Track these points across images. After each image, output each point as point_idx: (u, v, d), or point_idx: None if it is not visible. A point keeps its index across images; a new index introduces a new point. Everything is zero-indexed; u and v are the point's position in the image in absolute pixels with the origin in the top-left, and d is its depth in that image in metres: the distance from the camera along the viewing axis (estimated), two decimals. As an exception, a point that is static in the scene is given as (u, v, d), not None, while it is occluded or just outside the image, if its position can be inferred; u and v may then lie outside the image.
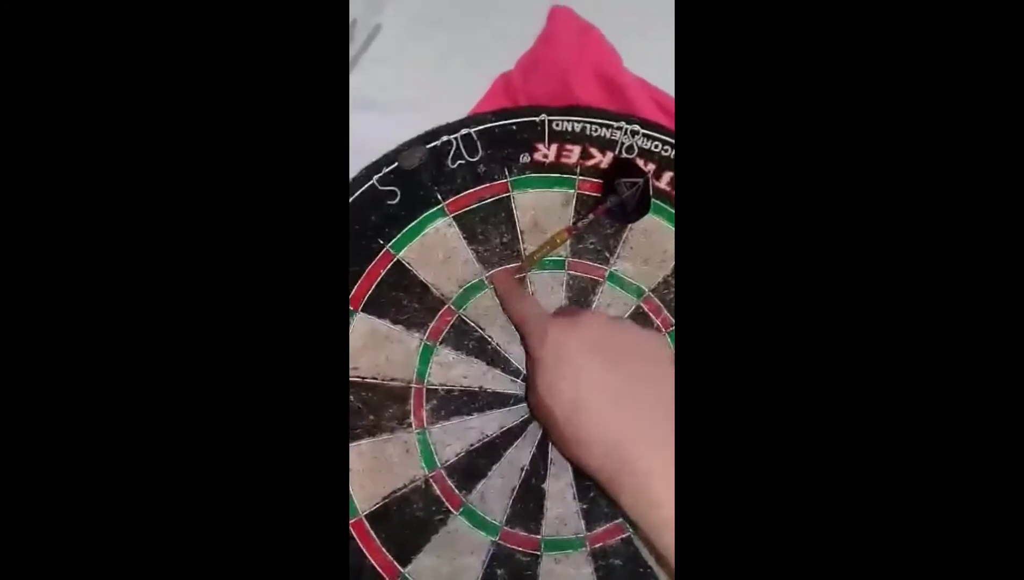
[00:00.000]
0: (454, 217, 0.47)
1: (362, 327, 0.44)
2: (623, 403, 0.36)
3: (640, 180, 0.43)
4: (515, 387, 0.44)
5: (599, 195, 0.47)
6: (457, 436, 0.43)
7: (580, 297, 0.46)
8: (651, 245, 0.46)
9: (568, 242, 0.46)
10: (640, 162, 0.48)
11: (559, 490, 0.43)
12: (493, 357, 0.45)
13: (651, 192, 0.45)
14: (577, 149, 0.48)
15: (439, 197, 0.47)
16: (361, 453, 0.43)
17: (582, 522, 0.42)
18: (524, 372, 0.44)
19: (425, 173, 0.47)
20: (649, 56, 0.51)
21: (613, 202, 0.43)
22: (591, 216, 0.43)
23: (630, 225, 0.46)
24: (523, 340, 0.42)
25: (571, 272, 0.46)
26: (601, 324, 0.39)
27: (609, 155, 0.48)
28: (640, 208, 0.44)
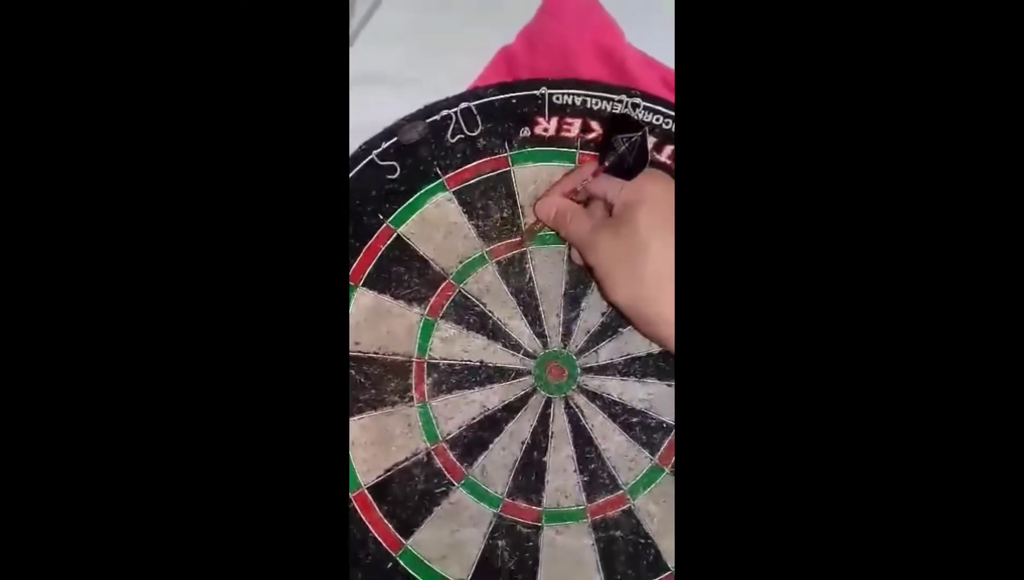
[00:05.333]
0: (454, 192, 0.47)
1: (363, 302, 0.45)
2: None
3: (637, 134, 0.42)
4: (516, 361, 0.44)
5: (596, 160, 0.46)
6: (458, 410, 0.43)
7: (581, 272, 0.46)
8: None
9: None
10: (636, 116, 0.47)
11: (560, 462, 0.43)
12: (494, 331, 0.45)
13: (648, 145, 0.44)
14: (578, 122, 0.48)
15: (439, 172, 0.47)
16: (363, 427, 0.43)
17: (583, 494, 0.42)
18: (524, 346, 0.44)
19: (425, 148, 0.47)
20: (652, 30, 0.50)
21: (612, 159, 0.42)
22: (590, 178, 0.43)
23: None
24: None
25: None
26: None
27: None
28: (639, 162, 0.43)
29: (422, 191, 0.46)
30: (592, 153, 0.47)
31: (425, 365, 0.44)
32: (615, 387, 0.44)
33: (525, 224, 0.46)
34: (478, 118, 0.48)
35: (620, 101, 0.48)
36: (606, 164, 0.42)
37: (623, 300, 0.40)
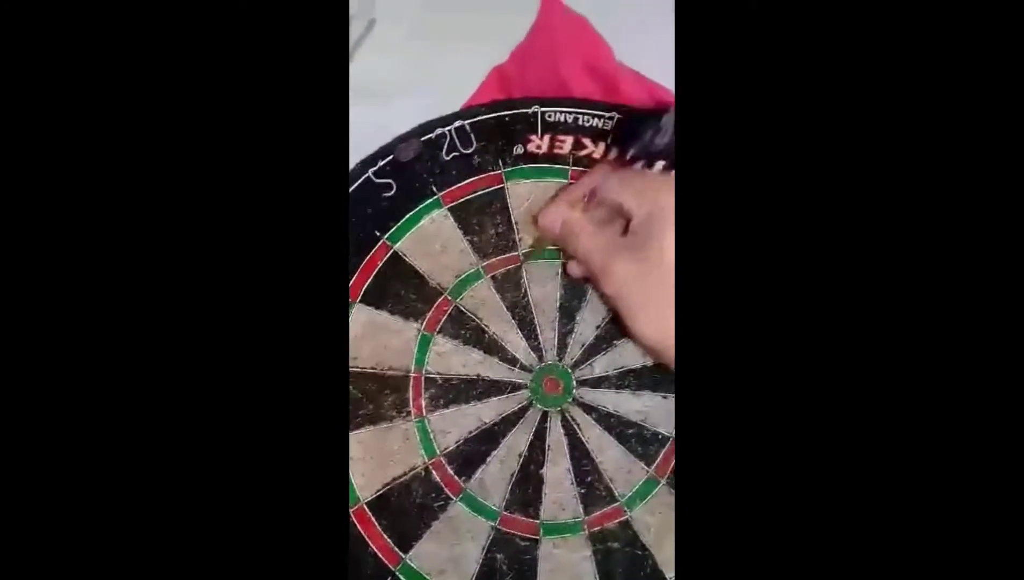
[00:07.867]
0: (449, 208, 0.47)
1: (360, 317, 0.45)
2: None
3: (663, 115, 0.37)
4: (512, 375, 0.45)
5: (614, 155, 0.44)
6: (456, 424, 0.44)
7: (575, 286, 0.46)
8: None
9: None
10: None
11: (557, 475, 0.43)
12: (490, 346, 0.45)
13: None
14: (570, 140, 0.49)
15: (434, 189, 0.47)
16: (361, 442, 0.43)
17: (580, 506, 0.43)
18: (520, 359, 0.45)
19: (420, 165, 0.48)
20: (645, 48, 0.51)
21: (635, 147, 0.38)
22: (603, 182, 0.40)
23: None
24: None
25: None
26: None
27: (601, 145, 0.48)
28: (669, 146, 0.37)
29: (418, 208, 0.47)
30: (583, 169, 0.48)
31: (422, 379, 0.44)
32: (610, 399, 0.44)
33: (528, 241, 0.46)
34: (472, 136, 0.48)
35: (611, 118, 0.49)
36: (630, 154, 0.38)
37: (652, 339, 0.36)
